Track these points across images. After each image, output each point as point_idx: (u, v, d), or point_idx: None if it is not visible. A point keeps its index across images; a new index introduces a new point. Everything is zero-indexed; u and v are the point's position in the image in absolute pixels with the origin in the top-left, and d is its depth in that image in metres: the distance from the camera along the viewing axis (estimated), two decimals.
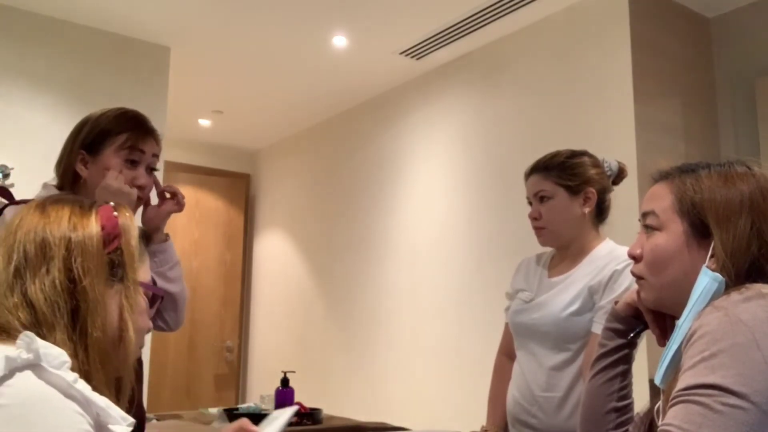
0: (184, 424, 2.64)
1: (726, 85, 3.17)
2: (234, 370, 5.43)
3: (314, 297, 4.78)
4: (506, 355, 1.95)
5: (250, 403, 2.99)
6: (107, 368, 0.88)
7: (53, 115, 3.34)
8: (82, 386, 0.79)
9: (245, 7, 3.30)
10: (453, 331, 3.61)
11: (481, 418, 1.97)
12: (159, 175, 1.66)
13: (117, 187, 1.49)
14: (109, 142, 1.53)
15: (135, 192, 1.52)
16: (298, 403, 2.70)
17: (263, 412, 2.68)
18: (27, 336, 0.78)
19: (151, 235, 1.67)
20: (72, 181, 1.54)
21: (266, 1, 3.24)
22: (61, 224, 0.89)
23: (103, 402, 0.80)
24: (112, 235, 0.91)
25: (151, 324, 1.01)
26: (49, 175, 1.61)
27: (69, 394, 0.77)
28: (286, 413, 1.25)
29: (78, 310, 0.86)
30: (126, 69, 3.61)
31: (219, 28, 3.54)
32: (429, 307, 3.79)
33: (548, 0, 3.16)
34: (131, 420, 0.83)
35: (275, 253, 5.33)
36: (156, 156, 1.62)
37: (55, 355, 0.78)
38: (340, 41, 3.64)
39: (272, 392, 2.72)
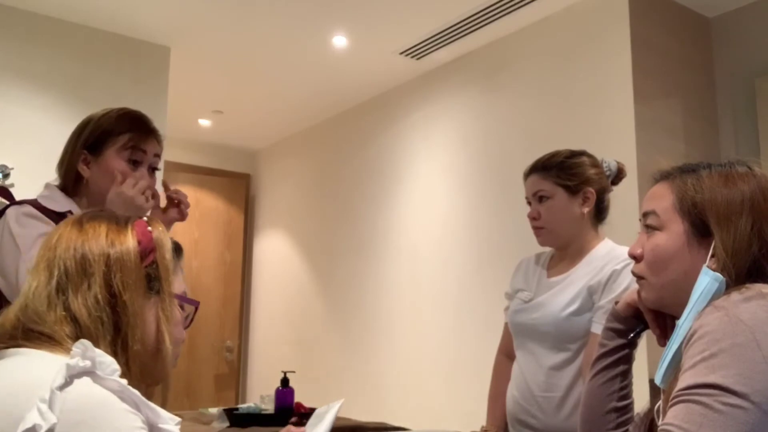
0: (184, 424, 2.64)
1: (726, 85, 3.17)
2: (234, 370, 5.42)
3: (314, 297, 4.78)
4: (506, 355, 1.95)
5: (250, 403, 2.99)
6: (147, 380, 0.91)
7: (53, 115, 3.34)
8: (134, 390, 0.83)
9: (245, 7, 3.30)
10: (453, 331, 3.61)
11: (481, 418, 1.97)
12: (158, 175, 1.66)
13: (131, 195, 1.49)
14: (110, 142, 1.53)
15: (150, 204, 1.53)
16: (298, 404, 2.70)
17: (263, 412, 2.68)
18: (82, 344, 0.82)
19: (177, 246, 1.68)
20: (74, 180, 1.55)
21: (266, 1, 3.24)
22: (99, 240, 0.92)
23: (151, 404, 0.84)
24: (147, 250, 0.95)
25: (185, 335, 1.05)
26: (49, 175, 1.61)
27: (123, 397, 0.81)
28: (333, 408, 1.26)
29: (119, 323, 0.89)
30: (126, 69, 3.61)
31: (219, 28, 3.54)
32: (429, 306, 3.79)
33: (548, 0, 3.16)
34: (178, 419, 0.86)
35: (275, 253, 5.33)
36: (158, 156, 1.62)
37: (108, 363, 0.82)
38: (340, 41, 3.64)
39: (272, 392, 2.72)
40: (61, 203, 1.52)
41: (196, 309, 1.10)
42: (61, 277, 0.89)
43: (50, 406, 0.75)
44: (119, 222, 0.97)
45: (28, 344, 0.86)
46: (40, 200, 1.50)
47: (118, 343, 0.89)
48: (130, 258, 0.92)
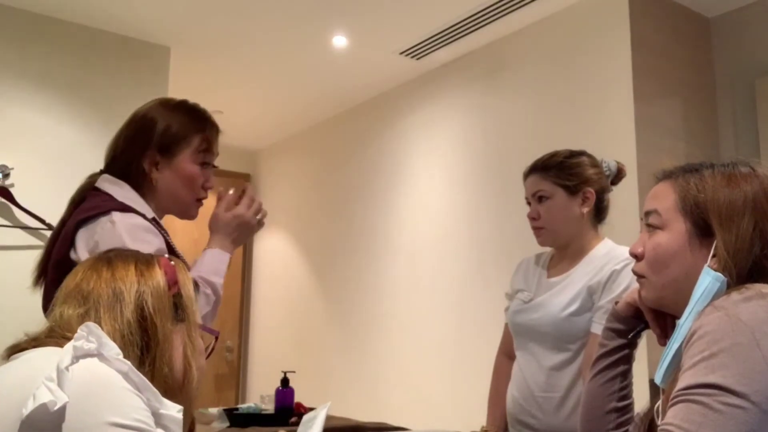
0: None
1: (726, 85, 3.17)
2: (234, 370, 5.43)
3: (314, 297, 4.78)
4: (506, 355, 1.95)
5: (250, 403, 2.98)
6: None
7: (53, 115, 3.34)
8: (138, 373, 0.85)
9: (245, 8, 3.30)
10: (453, 331, 3.61)
11: (481, 418, 1.97)
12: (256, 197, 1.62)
13: (248, 219, 1.48)
14: (185, 144, 1.49)
15: (261, 226, 1.51)
16: (298, 404, 2.70)
17: (263, 412, 2.68)
18: (87, 326, 0.84)
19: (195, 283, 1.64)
20: (138, 181, 1.47)
21: (266, 2, 3.24)
22: (129, 272, 0.98)
23: (154, 389, 0.86)
24: (172, 281, 1.01)
25: (205, 366, 1.07)
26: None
27: (128, 378, 0.83)
28: (322, 412, 1.27)
29: (149, 345, 0.93)
30: (126, 69, 3.61)
31: (219, 28, 3.54)
32: (429, 307, 3.79)
33: (548, 0, 3.16)
34: (180, 407, 0.88)
35: (275, 253, 5.33)
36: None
37: (111, 346, 0.85)
38: (340, 41, 3.64)
39: (272, 392, 2.72)
40: (146, 208, 1.44)
41: (216, 339, 1.13)
42: (93, 303, 0.93)
43: (60, 385, 0.76)
44: (145, 257, 1.03)
45: (48, 342, 0.89)
46: (128, 203, 1.41)
47: (146, 363, 0.92)
48: (159, 286, 0.98)
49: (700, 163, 1.04)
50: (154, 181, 1.47)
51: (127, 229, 1.35)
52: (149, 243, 1.35)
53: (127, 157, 1.48)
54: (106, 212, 1.36)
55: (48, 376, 0.77)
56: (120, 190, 1.44)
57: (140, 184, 1.48)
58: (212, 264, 1.42)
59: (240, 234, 1.49)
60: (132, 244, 1.31)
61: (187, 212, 1.54)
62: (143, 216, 1.40)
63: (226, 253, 1.44)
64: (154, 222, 1.44)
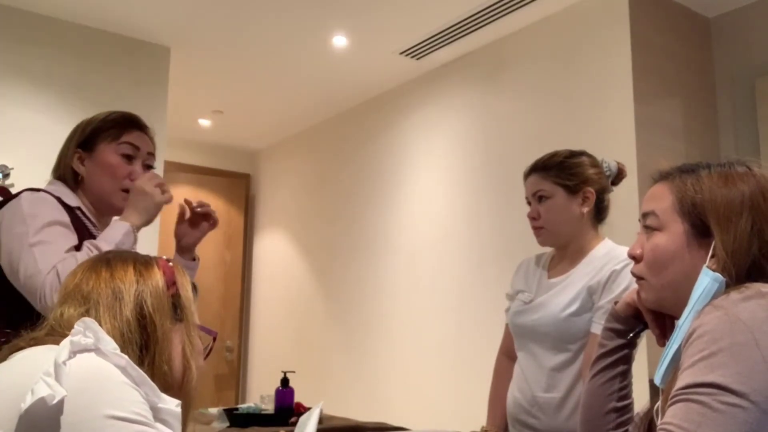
0: None
1: (726, 85, 3.17)
2: (234, 370, 5.42)
3: (314, 297, 4.78)
4: (507, 355, 1.95)
5: (250, 403, 2.99)
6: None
7: (53, 115, 3.34)
8: (136, 367, 0.85)
9: (245, 7, 3.30)
10: (453, 331, 3.61)
11: (481, 418, 1.97)
12: (159, 174, 1.67)
13: (150, 191, 1.51)
14: (102, 137, 1.57)
15: (167, 197, 1.54)
16: (298, 404, 2.70)
17: (263, 412, 2.68)
18: (83, 322, 0.85)
19: (183, 250, 1.73)
20: (73, 181, 1.58)
21: (266, 2, 3.24)
22: (128, 273, 0.98)
23: (152, 384, 0.86)
24: (171, 281, 1.02)
25: (204, 365, 1.09)
26: (49, 175, 1.61)
27: (126, 372, 0.84)
28: (315, 412, 1.28)
29: (148, 344, 0.94)
30: (126, 69, 3.61)
31: (219, 28, 3.54)
32: (429, 307, 3.79)
33: (548, 0, 3.16)
34: (178, 401, 0.89)
35: (275, 253, 5.33)
36: (151, 154, 1.65)
37: (108, 341, 0.86)
38: (340, 41, 3.64)
39: (272, 392, 2.71)
40: (71, 198, 1.54)
41: (214, 339, 1.14)
42: (93, 303, 0.94)
43: (57, 379, 0.77)
44: (144, 258, 1.04)
45: (47, 341, 0.89)
46: (51, 192, 1.52)
47: (145, 362, 0.92)
48: (158, 285, 0.99)
49: (696, 164, 1.04)
50: (81, 177, 1.56)
51: (30, 200, 1.44)
52: (45, 213, 1.42)
53: (60, 161, 1.60)
54: (17, 195, 1.46)
55: (46, 371, 0.77)
56: (51, 186, 1.55)
57: (74, 184, 1.57)
58: (108, 232, 1.46)
59: (141, 202, 1.51)
60: (28, 210, 1.40)
61: (114, 203, 1.59)
62: (59, 199, 1.48)
63: (125, 223, 1.48)
64: (79, 211, 1.53)
